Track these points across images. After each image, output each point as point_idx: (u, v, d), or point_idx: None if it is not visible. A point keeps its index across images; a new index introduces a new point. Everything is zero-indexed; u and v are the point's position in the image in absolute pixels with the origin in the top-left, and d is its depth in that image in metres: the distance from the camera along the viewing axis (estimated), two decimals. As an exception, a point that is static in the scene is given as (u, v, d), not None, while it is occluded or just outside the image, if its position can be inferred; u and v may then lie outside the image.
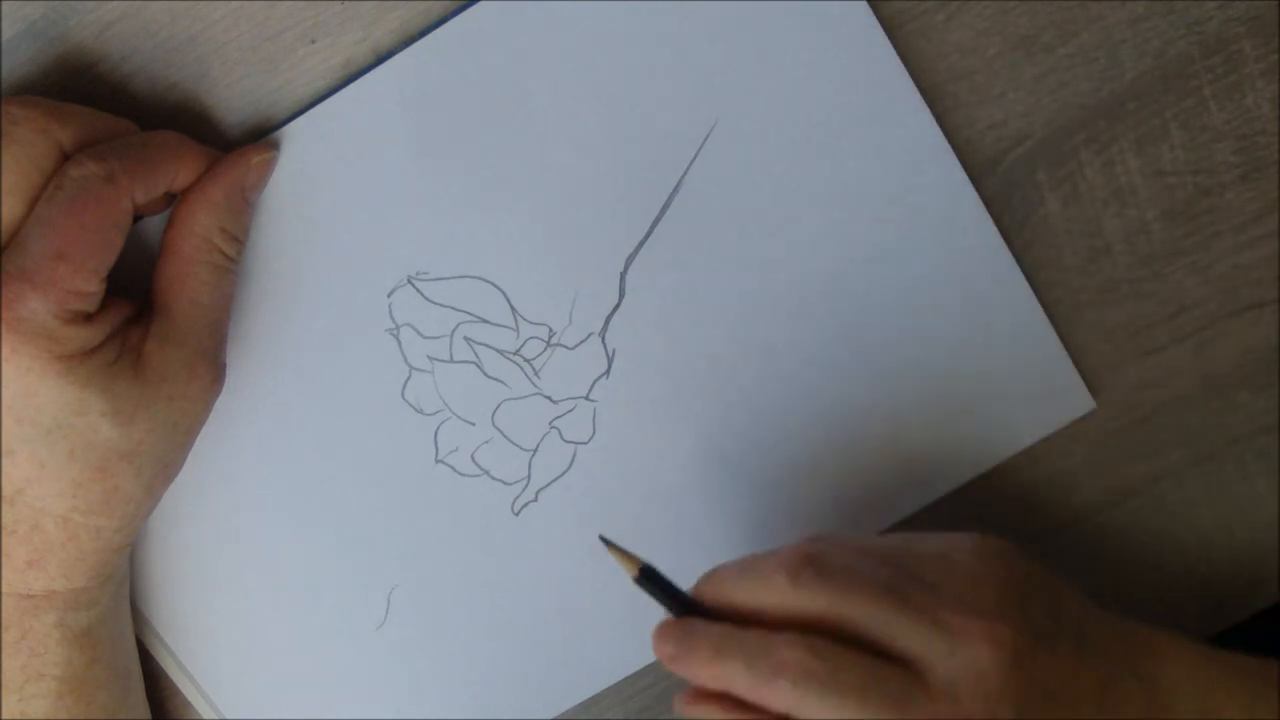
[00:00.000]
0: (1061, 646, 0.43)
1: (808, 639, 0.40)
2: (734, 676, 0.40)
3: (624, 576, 0.50)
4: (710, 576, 0.43)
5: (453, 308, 0.47)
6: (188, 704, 0.51)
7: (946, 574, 0.43)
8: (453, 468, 0.49)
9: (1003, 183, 0.47)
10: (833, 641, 0.40)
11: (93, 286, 0.41)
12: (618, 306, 0.47)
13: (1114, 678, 0.44)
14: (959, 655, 0.40)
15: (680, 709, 0.42)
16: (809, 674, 0.40)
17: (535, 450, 0.49)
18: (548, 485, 0.49)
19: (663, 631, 0.42)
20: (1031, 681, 0.41)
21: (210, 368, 0.44)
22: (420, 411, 0.48)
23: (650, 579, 0.43)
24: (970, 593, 0.42)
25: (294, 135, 0.45)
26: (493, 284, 0.47)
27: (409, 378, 0.48)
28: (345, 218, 0.46)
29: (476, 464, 0.49)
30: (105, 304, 0.42)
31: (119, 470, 0.42)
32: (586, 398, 0.48)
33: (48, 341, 0.40)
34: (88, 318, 0.41)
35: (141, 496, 0.43)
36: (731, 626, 0.41)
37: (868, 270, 0.47)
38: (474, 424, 0.48)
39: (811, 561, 0.41)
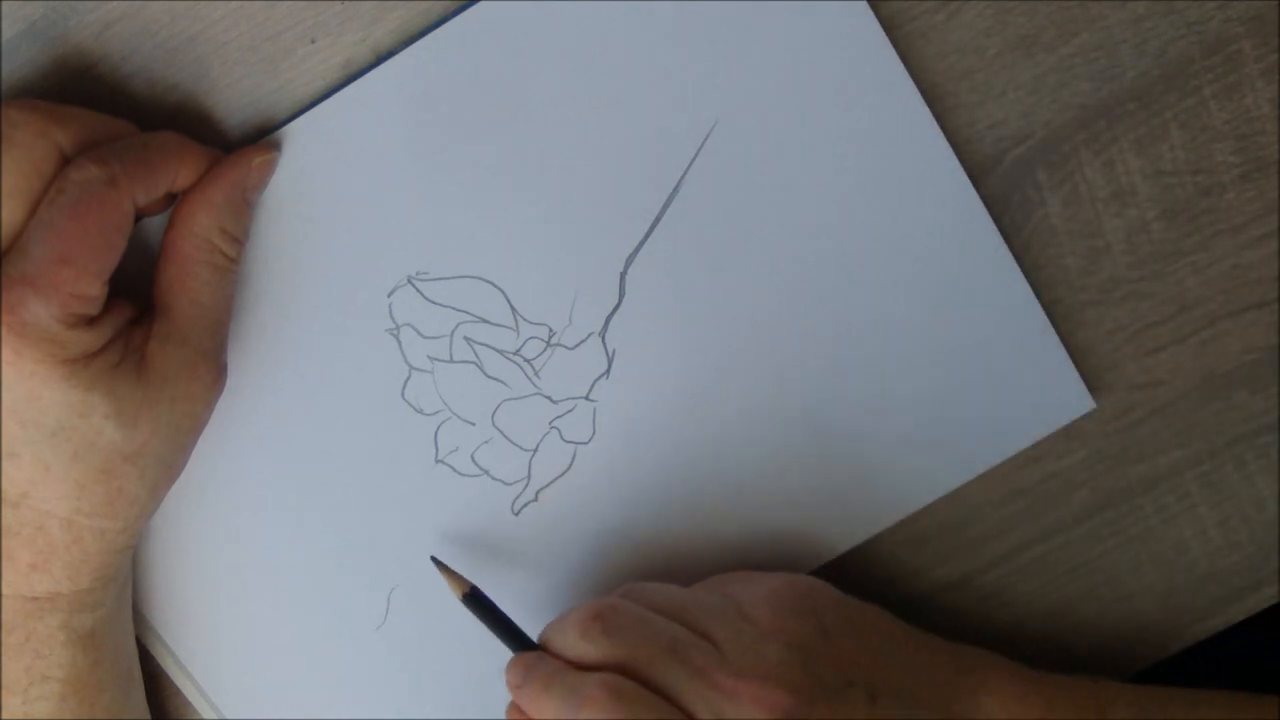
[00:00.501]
0: (851, 696, 0.44)
1: (613, 679, 0.43)
2: (553, 709, 0.43)
3: (625, 575, 0.50)
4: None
5: (453, 308, 0.47)
6: (188, 704, 0.51)
7: (735, 632, 0.44)
8: (453, 468, 0.49)
9: (1003, 183, 0.47)
10: (639, 687, 0.43)
11: (95, 290, 0.41)
12: (618, 306, 0.47)
13: (917, 718, 0.45)
14: (727, 718, 0.42)
15: None
16: (607, 712, 0.42)
17: (535, 450, 0.49)
18: (548, 485, 0.49)
19: (514, 663, 0.45)
20: None
21: (212, 368, 0.44)
22: (420, 411, 0.48)
23: (476, 602, 0.47)
24: (753, 651, 0.44)
25: (294, 135, 0.45)
26: (493, 284, 0.47)
27: (409, 378, 0.48)
28: (345, 218, 0.46)
29: (476, 464, 0.49)
30: (107, 306, 0.42)
31: (123, 472, 0.42)
32: (586, 398, 0.48)
33: (51, 345, 0.40)
34: (90, 321, 0.41)
35: (145, 498, 0.43)
36: (564, 665, 0.44)
37: (867, 270, 0.47)
38: (474, 424, 0.48)
39: (599, 617, 0.44)
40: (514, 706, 0.45)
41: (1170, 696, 0.47)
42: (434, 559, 0.48)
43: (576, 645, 0.44)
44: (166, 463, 0.44)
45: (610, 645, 0.44)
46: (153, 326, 0.43)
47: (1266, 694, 0.47)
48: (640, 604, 0.45)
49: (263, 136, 0.45)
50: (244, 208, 0.45)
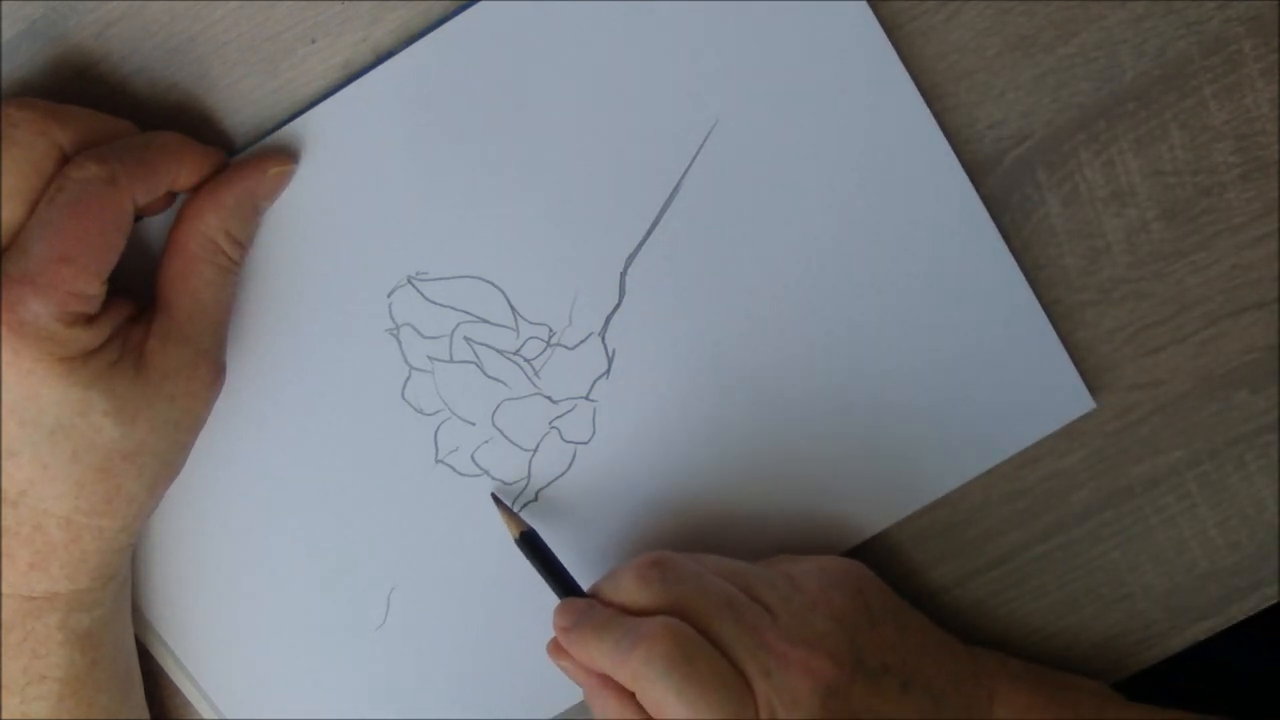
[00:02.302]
0: (886, 682, 0.45)
1: (673, 621, 0.43)
2: (606, 651, 0.43)
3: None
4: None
5: (453, 308, 0.47)
6: (188, 704, 0.51)
7: (785, 599, 0.45)
8: (453, 468, 0.49)
9: (1003, 183, 0.47)
10: (697, 633, 0.43)
11: (94, 288, 0.41)
12: (618, 306, 0.47)
13: (943, 718, 0.45)
14: (775, 679, 0.43)
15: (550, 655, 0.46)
16: (665, 655, 0.42)
17: (535, 450, 0.49)
18: (548, 485, 0.49)
19: (564, 607, 0.45)
20: (845, 713, 0.43)
21: (211, 367, 0.44)
22: (420, 411, 0.48)
23: (530, 544, 0.47)
24: (802, 619, 0.44)
25: (294, 135, 0.45)
26: (493, 284, 0.47)
27: (409, 378, 0.48)
28: (345, 218, 0.46)
29: (476, 464, 0.49)
30: (106, 305, 0.42)
31: (121, 470, 0.42)
32: (586, 398, 0.48)
33: (50, 344, 0.40)
34: (89, 319, 0.41)
35: (144, 497, 0.43)
36: (618, 611, 0.44)
37: (867, 270, 0.47)
38: (474, 424, 0.48)
39: (658, 565, 0.45)
40: (555, 645, 0.45)
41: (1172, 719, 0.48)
42: (494, 496, 0.48)
43: (633, 590, 0.44)
44: (165, 461, 0.44)
45: (668, 592, 0.44)
46: (152, 324, 0.43)
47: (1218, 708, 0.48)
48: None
49: (263, 137, 0.45)
50: (253, 214, 0.45)
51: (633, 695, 0.43)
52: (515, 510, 0.49)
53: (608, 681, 0.44)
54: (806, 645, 0.43)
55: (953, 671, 0.47)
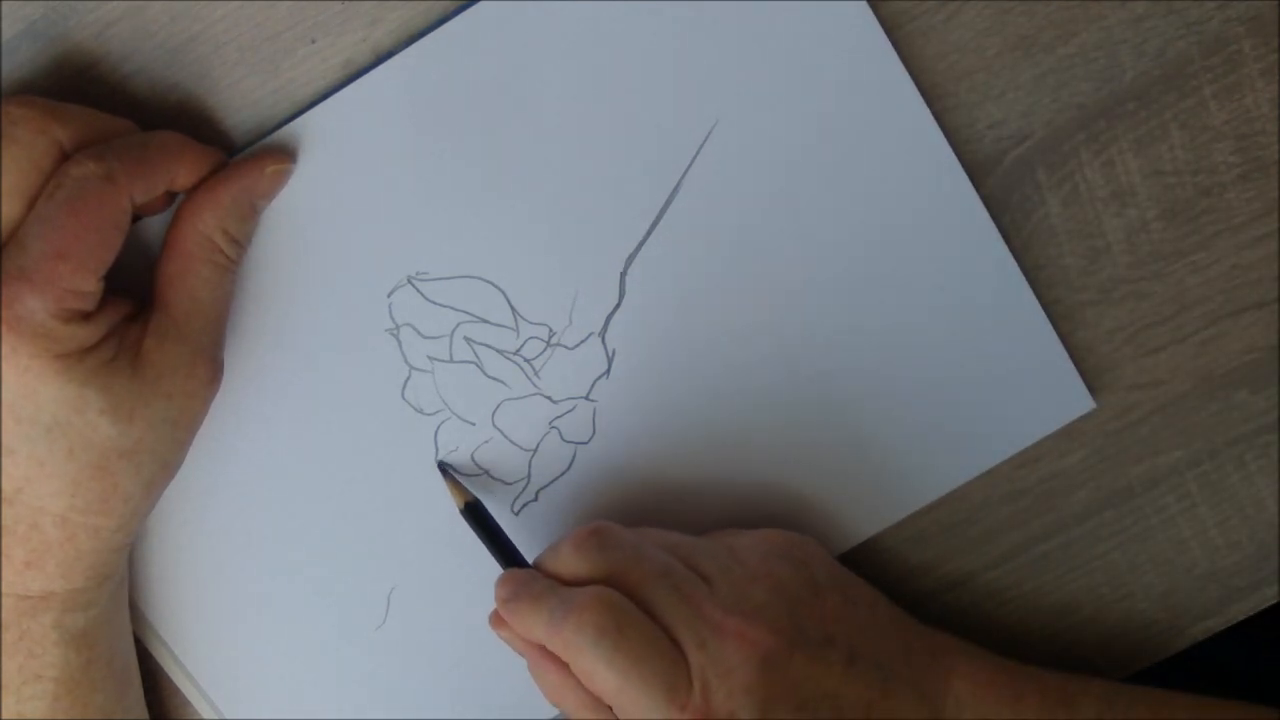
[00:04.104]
0: (830, 655, 0.44)
1: (605, 590, 0.43)
2: (540, 621, 0.43)
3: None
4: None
5: (453, 308, 0.47)
6: (188, 704, 0.51)
7: (724, 569, 0.45)
8: (453, 468, 0.49)
9: (1003, 183, 0.47)
10: (630, 602, 0.43)
11: (91, 286, 0.41)
12: (618, 306, 0.47)
13: (891, 691, 0.45)
14: (710, 649, 0.42)
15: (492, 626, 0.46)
16: (595, 625, 0.42)
17: (535, 450, 0.49)
18: (548, 485, 0.49)
19: (505, 578, 0.45)
20: (784, 684, 0.43)
21: (208, 365, 0.44)
22: (420, 411, 0.48)
23: (475, 515, 0.47)
24: (741, 590, 0.44)
25: (294, 135, 0.45)
26: (493, 284, 0.47)
27: (409, 378, 0.48)
28: (345, 218, 0.46)
29: (476, 464, 0.49)
30: (103, 302, 0.42)
31: (118, 468, 0.42)
32: (586, 398, 0.48)
33: (46, 340, 0.40)
34: (86, 316, 0.41)
35: (140, 496, 0.43)
36: (557, 582, 0.44)
37: (867, 270, 0.47)
38: (474, 424, 0.48)
39: (595, 534, 0.45)
40: (495, 615, 0.45)
41: (1138, 695, 0.47)
42: (440, 464, 0.48)
43: (570, 560, 0.44)
44: (162, 460, 0.44)
45: (604, 560, 0.44)
46: (149, 323, 0.43)
47: (1232, 699, 0.47)
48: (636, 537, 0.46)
49: (263, 137, 0.45)
50: (250, 213, 0.45)
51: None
52: (462, 482, 0.48)
53: (546, 653, 0.44)
54: (743, 615, 0.43)
55: (904, 645, 0.46)
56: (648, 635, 0.42)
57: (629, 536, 0.45)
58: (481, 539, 0.47)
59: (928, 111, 0.46)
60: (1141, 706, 0.47)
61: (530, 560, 0.47)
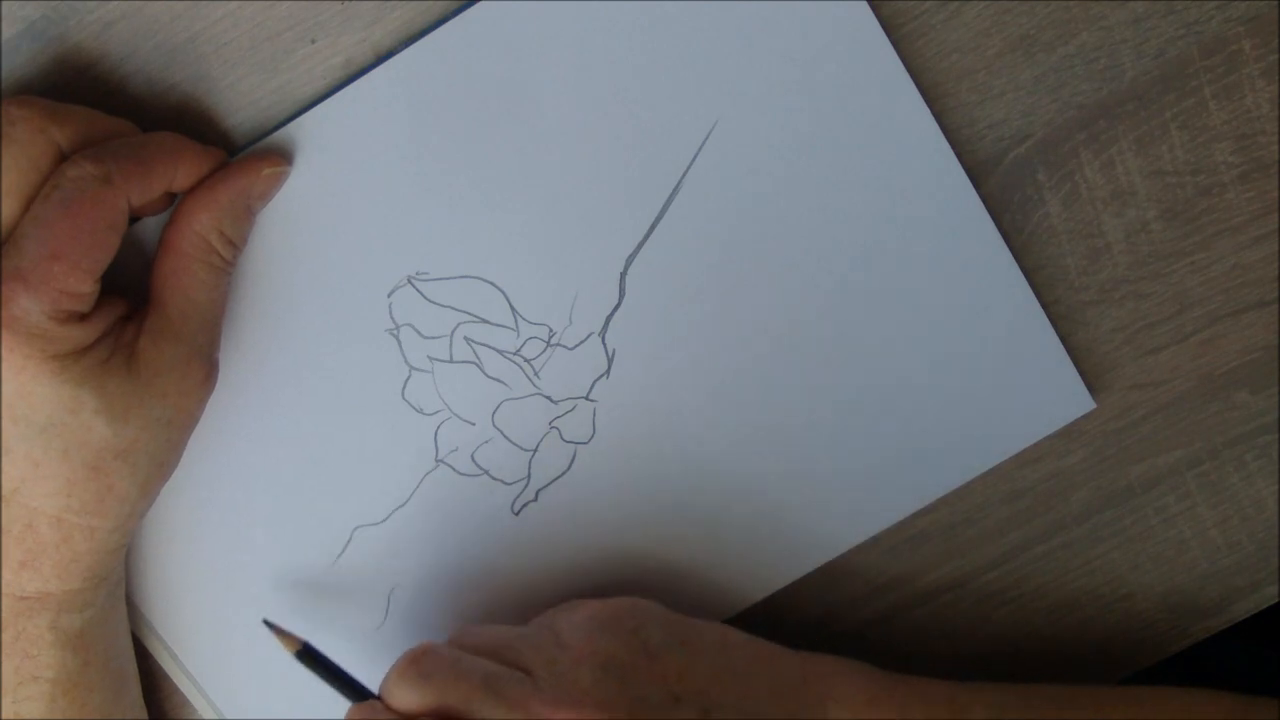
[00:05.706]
0: (680, 714, 0.43)
1: None
2: None
3: (624, 575, 0.50)
4: None
5: (453, 308, 0.47)
6: (187, 704, 0.51)
7: (549, 660, 0.44)
8: (453, 468, 0.49)
9: (1003, 183, 0.47)
10: None
11: (87, 287, 0.41)
12: (618, 306, 0.47)
13: None
14: None
15: None
16: None
17: (535, 450, 0.49)
18: (548, 485, 0.49)
19: (350, 713, 0.45)
20: None
21: (203, 365, 0.44)
22: (420, 411, 0.48)
23: (310, 658, 0.47)
24: (566, 677, 0.44)
25: (294, 135, 0.45)
26: (493, 284, 0.47)
27: (409, 378, 0.48)
28: (345, 218, 0.46)
29: (476, 464, 0.49)
30: (99, 303, 0.42)
31: (113, 469, 0.42)
32: (586, 398, 0.48)
33: (41, 341, 0.40)
34: (81, 317, 0.41)
35: (136, 496, 0.43)
36: (395, 715, 0.44)
37: (867, 270, 0.47)
38: (474, 424, 0.48)
39: (414, 663, 0.44)
40: None
41: (1033, 694, 0.46)
42: (266, 621, 0.48)
43: (400, 695, 0.44)
44: (157, 460, 0.44)
45: (427, 689, 0.44)
46: (144, 323, 0.43)
47: (1135, 686, 0.47)
48: (461, 646, 0.45)
49: (263, 137, 0.45)
50: (245, 214, 0.45)
51: None
52: (289, 630, 0.48)
53: None
54: (572, 704, 0.43)
55: (769, 682, 0.45)
56: None
57: (447, 655, 0.45)
58: (324, 679, 0.47)
59: (928, 111, 0.46)
60: (1039, 703, 0.46)
61: (375, 689, 0.46)
